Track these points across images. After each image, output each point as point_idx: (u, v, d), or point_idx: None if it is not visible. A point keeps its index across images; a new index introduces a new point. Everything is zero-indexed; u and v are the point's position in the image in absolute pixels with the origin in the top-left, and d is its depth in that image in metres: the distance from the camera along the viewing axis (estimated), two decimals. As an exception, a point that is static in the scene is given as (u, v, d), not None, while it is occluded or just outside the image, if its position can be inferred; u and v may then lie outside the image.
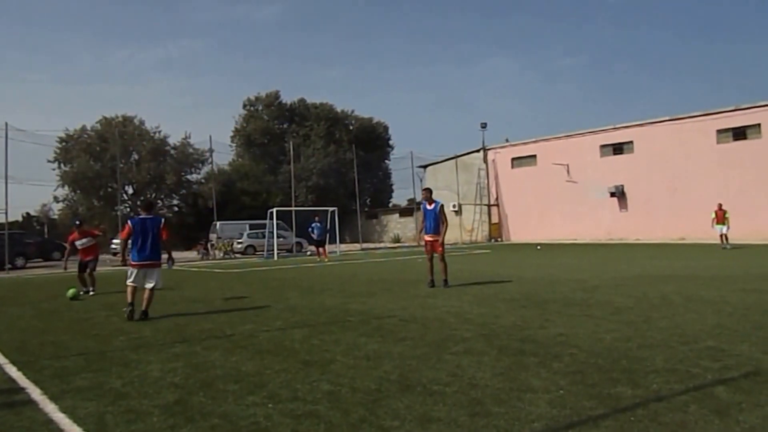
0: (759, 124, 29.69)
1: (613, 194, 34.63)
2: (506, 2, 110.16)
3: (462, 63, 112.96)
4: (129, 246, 8.83)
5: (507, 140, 43.25)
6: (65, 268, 14.02)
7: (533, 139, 40.37)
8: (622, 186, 34.42)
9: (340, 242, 32.00)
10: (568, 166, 37.20)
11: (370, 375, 4.78)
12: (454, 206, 40.10)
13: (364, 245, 38.33)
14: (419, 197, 40.85)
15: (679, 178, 31.87)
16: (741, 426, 3.34)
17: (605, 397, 3.95)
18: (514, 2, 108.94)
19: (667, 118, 33.27)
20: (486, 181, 42.46)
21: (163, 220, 8.97)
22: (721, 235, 22.61)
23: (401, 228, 48.01)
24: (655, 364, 4.77)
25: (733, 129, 30.71)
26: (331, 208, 29.87)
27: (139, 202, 45.75)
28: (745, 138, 30.30)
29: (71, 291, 11.57)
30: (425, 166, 45.85)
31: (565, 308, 8.04)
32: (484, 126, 43.17)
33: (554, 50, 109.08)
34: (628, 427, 3.39)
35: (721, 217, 22.76)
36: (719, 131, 31.10)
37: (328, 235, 26.65)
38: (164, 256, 9.14)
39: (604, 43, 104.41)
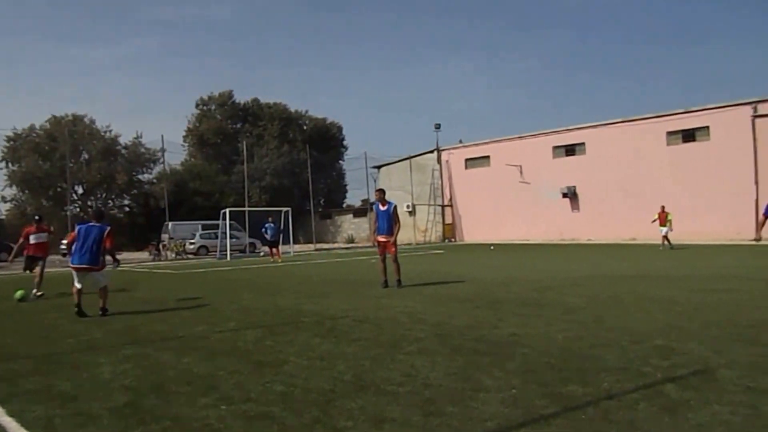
0: (707, 127, 30.85)
1: (565, 195, 35.48)
2: (461, 6, 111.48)
3: (417, 65, 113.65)
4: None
5: (461, 141, 43.78)
6: (11, 261, 14.14)
7: (487, 141, 41.00)
8: (575, 187, 35.29)
9: (294, 243, 31.83)
10: (521, 167, 37.90)
11: (324, 375, 4.74)
12: (407, 207, 40.36)
13: (318, 246, 38.14)
14: (373, 198, 40.82)
15: (630, 179, 32.85)
16: (689, 423, 3.43)
17: (557, 396, 4.00)
18: (469, 6, 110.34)
19: (618, 120, 34.28)
20: (440, 182, 42.86)
21: (108, 229, 9.07)
22: (663, 236, 23.28)
23: (355, 228, 48.00)
24: (606, 363, 4.87)
25: (683, 131, 31.85)
26: (284, 209, 29.62)
27: (89, 202, 44.87)
28: (694, 140, 31.44)
29: (19, 293, 11.24)
30: (379, 167, 46.00)
31: (518, 308, 8.15)
32: (438, 127, 43.66)
33: (508, 53, 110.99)
34: (579, 425, 3.44)
35: (663, 218, 23.42)
36: (669, 133, 32.21)
37: (281, 236, 26.41)
38: (109, 258, 9.35)
39: (558, 46, 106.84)
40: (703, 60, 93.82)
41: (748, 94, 30.53)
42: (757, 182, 28.78)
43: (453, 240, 40.84)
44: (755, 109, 29.21)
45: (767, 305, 7.85)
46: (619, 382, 4.28)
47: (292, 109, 56.10)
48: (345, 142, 59.49)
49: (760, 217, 10.39)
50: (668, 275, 12.49)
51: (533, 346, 5.57)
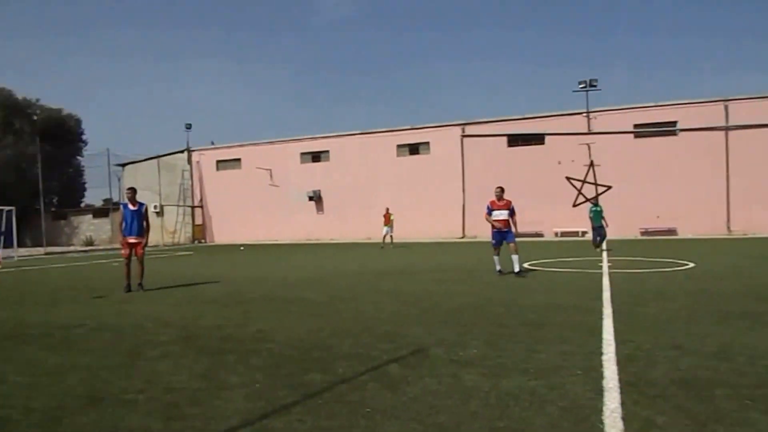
0: (428, 142, 34.87)
1: (311, 198, 36.81)
2: (217, 10, 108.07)
3: (168, 64, 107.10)
4: None
5: (212, 143, 42.50)
6: None
7: (238, 144, 40.49)
8: (320, 191, 36.83)
9: (19, 246, 27.51)
10: (271, 170, 38.22)
11: (51, 392, 4.17)
12: (155, 207, 37.87)
13: (50, 249, 33.53)
14: (117, 197, 37.43)
15: (367, 184, 35.42)
16: (407, 396, 3.83)
17: (298, 385, 4.13)
18: (224, 11, 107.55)
19: (357, 132, 36.73)
20: (190, 183, 41.04)
21: None
22: (385, 235, 25.39)
23: (95, 230, 43.37)
24: (342, 351, 5.18)
25: (410, 145, 35.51)
26: (7, 208, 25.40)
27: None
28: (418, 153, 35.27)
29: None
30: (124, 165, 42.31)
31: (266, 305, 8.21)
32: (188, 127, 41.71)
33: (262, 59, 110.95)
34: (316, 409, 3.60)
35: (387, 219, 25.58)
36: (399, 146, 35.60)
37: (2, 238, 22.59)
38: None
39: (308, 57, 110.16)
40: (428, 85, 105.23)
41: (458, 117, 35.33)
42: (464, 190, 33.39)
43: (203, 241, 39.41)
44: (463, 130, 33.92)
45: (468, 291, 9.16)
46: (352, 367, 4.59)
47: (19, 96, 48.35)
48: (84, 137, 53.19)
49: (484, 215, 11.84)
50: (395, 270, 13.74)
51: (278, 341, 5.67)
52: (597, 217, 19.12)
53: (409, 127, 35.62)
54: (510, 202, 11.54)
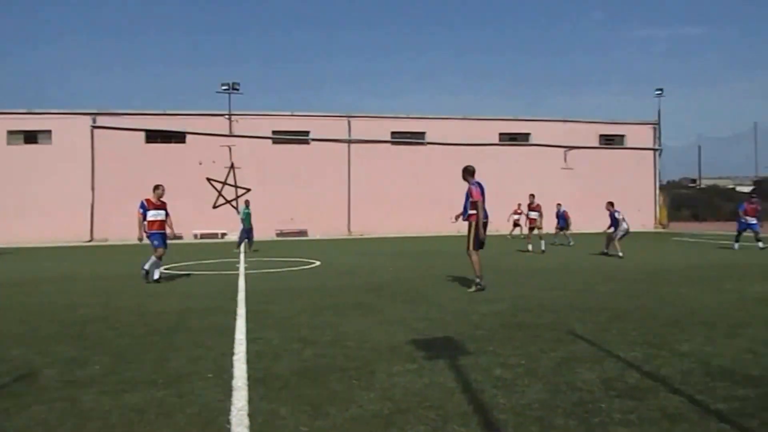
0: (50, 131, 30.69)
1: None
2: None
3: None
4: None
5: None
6: None
7: None
8: None
9: None
10: None
11: None
12: None
13: None
14: None
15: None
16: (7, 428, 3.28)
17: None
18: None
19: (-52, 111, 30.01)
20: None
21: None
22: None
23: None
24: None
25: (25, 132, 30.68)
26: None
27: None
28: (36, 143, 30.71)
29: None
30: None
31: None
32: None
33: None
34: None
35: None
36: (10, 132, 30.43)
37: None
38: None
39: None
40: (50, 66, 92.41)
41: (89, 106, 32.17)
42: (94, 188, 30.49)
43: None
44: (94, 120, 30.96)
45: (95, 301, 8.36)
46: (-74, 408, 3.70)
47: None
48: None
49: (137, 214, 10.77)
50: (37, 279, 11.73)
51: None
52: (248, 219, 19.96)
53: (25, 111, 30.72)
54: (166, 203, 11.05)
